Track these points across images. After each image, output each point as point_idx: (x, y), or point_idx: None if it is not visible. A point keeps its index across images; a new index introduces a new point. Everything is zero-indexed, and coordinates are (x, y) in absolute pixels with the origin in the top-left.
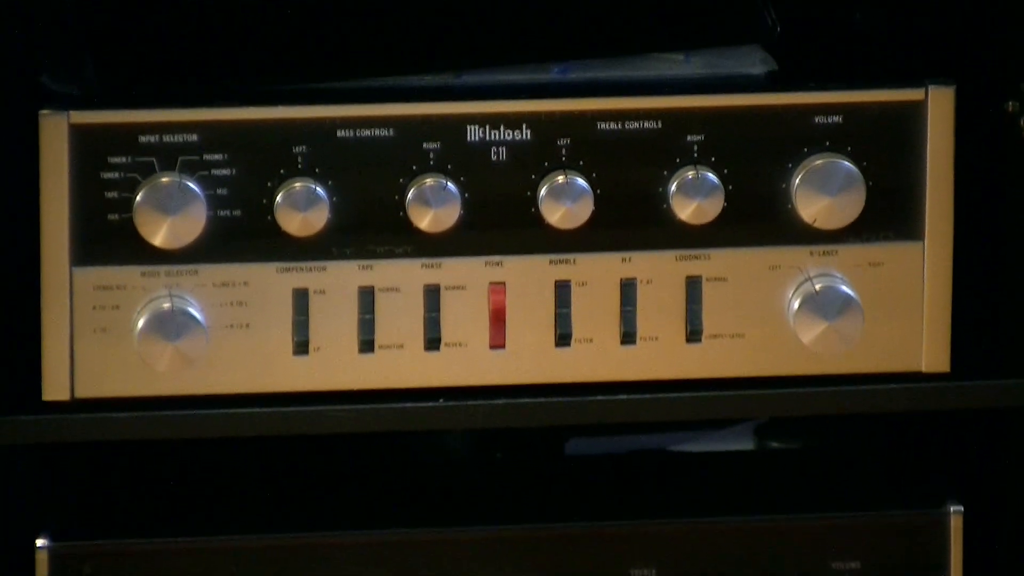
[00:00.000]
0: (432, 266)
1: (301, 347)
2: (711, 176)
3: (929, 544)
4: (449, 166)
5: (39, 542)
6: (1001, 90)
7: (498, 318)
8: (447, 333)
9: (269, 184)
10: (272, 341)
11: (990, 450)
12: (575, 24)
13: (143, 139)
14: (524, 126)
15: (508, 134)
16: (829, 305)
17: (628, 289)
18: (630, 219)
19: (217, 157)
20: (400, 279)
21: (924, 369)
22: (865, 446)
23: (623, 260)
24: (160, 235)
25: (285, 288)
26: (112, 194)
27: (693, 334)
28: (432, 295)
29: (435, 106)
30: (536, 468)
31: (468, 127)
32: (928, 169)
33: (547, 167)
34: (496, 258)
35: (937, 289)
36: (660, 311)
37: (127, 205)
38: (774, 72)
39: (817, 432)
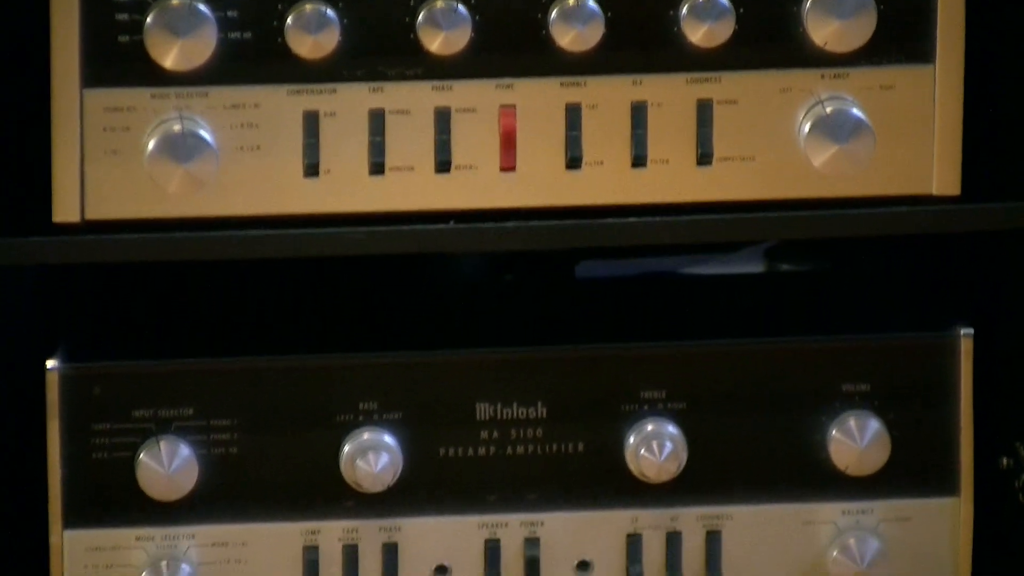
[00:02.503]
0: (443, 88)
1: (311, 169)
2: None
3: (939, 366)
4: None
5: (50, 363)
6: None
7: (508, 141)
8: (457, 156)
9: (279, 6)
10: (283, 164)
11: (1000, 273)
12: None
13: None
14: None
15: None
16: (840, 128)
17: (639, 112)
18: (641, 42)
19: None
20: (410, 101)
21: (935, 192)
22: (875, 269)
23: (634, 83)
24: (170, 57)
25: (296, 110)
26: (123, 16)
27: (704, 157)
28: (443, 117)
29: None
30: (546, 291)
31: None
32: None
33: None
34: (507, 80)
35: (948, 112)
36: (671, 134)
37: (138, 27)
38: None
39: (827, 255)
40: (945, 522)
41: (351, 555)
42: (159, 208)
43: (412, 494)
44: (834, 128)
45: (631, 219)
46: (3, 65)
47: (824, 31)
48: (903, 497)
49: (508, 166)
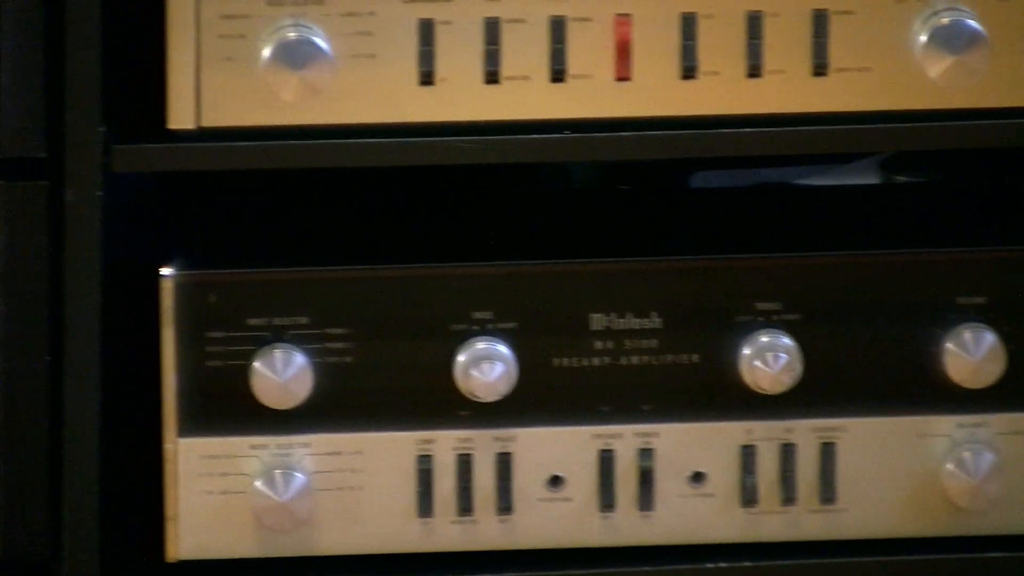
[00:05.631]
0: None
1: (426, 78)
2: None
3: None
4: None
5: (164, 271)
6: None
7: (623, 50)
8: (572, 65)
9: None
10: (397, 72)
11: None
12: None
13: None
14: None
15: None
16: (956, 39)
17: (754, 22)
18: None
19: None
20: (526, 10)
21: None
22: (991, 181)
23: None
24: None
25: (411, 18)
26: None
27: (819, 68)
28: (558, 26)
29: None
30: (661, 201)
31: None
32: None
33: None
34: None
35: None
36: (787, 44)
37: None
38: None
39: (943, 167)
40: None
41: (465, 465)
42: (274, 115)
43: (526, 404)
44: (950, 38)
45: (746, 129)
46: None
47: None
48: (1019, 410)
49: (623, 75)
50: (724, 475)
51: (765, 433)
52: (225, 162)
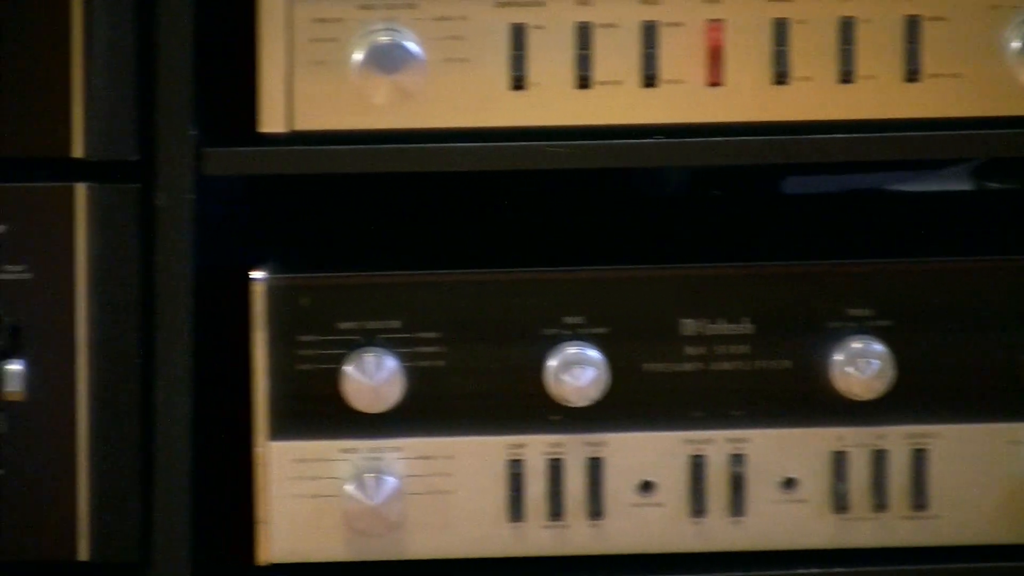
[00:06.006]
0: (650, 2)
1: (517, 82)
2: None
3: None
4: None
5: (255, 275)
6: None
7: (715, 55)
8: (664, 70)
9: None
10: (489, 76)
11: None
12: None
13: None
14: None
15: None
16: None
17: (847, 27)
18: None
19: None
20: (618, 15)
21: None
22: None
23: None
24: None
25: (503, 23)
26: None
27: (911, 74)
28: (650, 31)
29: None
30: (752, 207)
31: None
32: None
33: None
34: None
35: None
36: (879, 50)
37: None
38: None
39: None
40: None
41: (555, 469)
42: (364, 119)
43: (617, 409)
44: None
45: (838, 135)
46: None
47: None
48: None
49: (715, 81)
50: (815, 481)
51: (857, 439)
52: (316, 166)
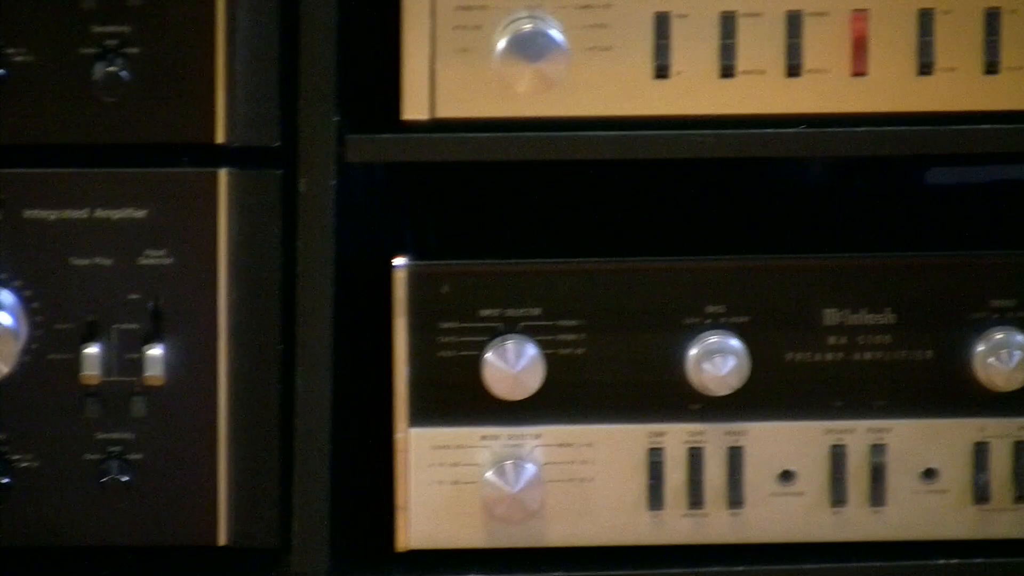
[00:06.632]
0: None
1: (661, 71)
2: None
3: None
4: None
5: (397, 261)
6: None
7: (860, 45)
8: (808, 59)
9: None
10: (632, 65)
11: None
12: None
13: None
14: None
15: None
16: None
17: (992, 18)
18: None
19: None
20: (763, 4)
21: None
22: None
23: None
24: None
25: (647, 11)
26: None
27: None
28: (794, 20)
29: None
30: (895, 197)
31: None
32: None
33: None
34: None
35: None
36: None
37: None
38: None
39: None
40: None
41: (696, 458)
42: (507, 107)
43: (757, 398)
44: None
45: (983, 126)
46: None
47: None
48: None
49: (859, 71)
50: (956, 472)
51: (998, 430)
52: (459, 153)
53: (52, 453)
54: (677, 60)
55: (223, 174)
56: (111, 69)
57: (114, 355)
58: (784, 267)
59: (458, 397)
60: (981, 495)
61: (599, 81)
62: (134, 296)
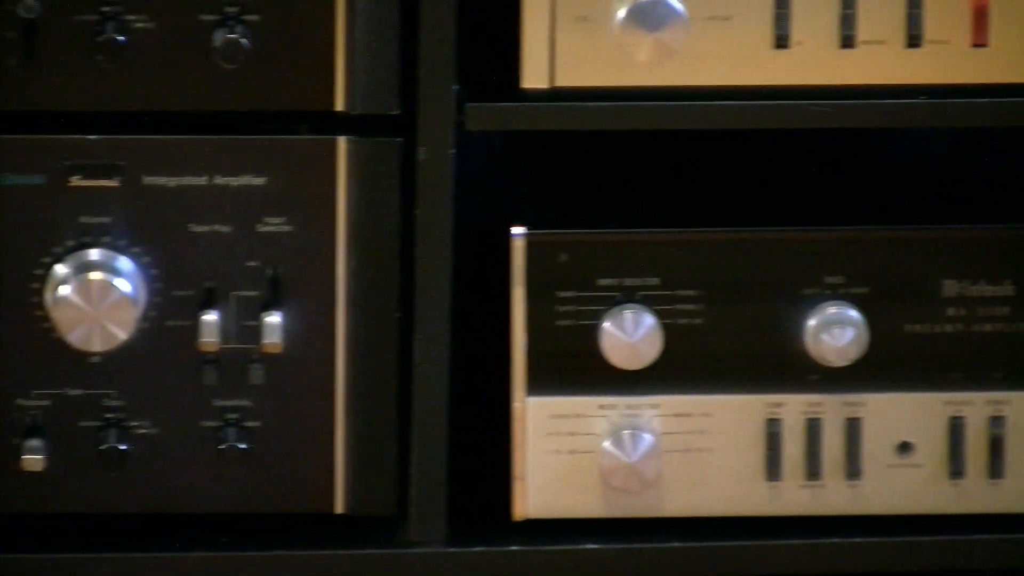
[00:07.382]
0: None
1: (781, 41)
2: None
3: None
4: None
5: (516, 230)
6: None
7: (981, 15)
8: (929, 30)
9: None
10: (752, 34)
11: None
12: None
13: None
14: None
15: None
16: None
17: None
18: None
19: None
20: None
21: None
22: None
23: None
24: None
25: None
26: None
27: None
28: None
29: None
30: (1015, 168)
31: None
32: None
33: None
34: None
35: None
36: None
37: None
38: None
39: None
40: None
41: (814, 429)
42: (626, 76)
43: (876, 370)
44: None
45: None
46: None
47: None
48: None
49: (979, 42)
50: None
51: None
52: (578, 122)
53: (170, 420)
54: (797, 30)
55: (342, 142)
56: (231, 36)
57: (232, 322)
58: (903, 238)
59: (576, 366)
60: None
61: (718, 51)
62: (252, 263)
